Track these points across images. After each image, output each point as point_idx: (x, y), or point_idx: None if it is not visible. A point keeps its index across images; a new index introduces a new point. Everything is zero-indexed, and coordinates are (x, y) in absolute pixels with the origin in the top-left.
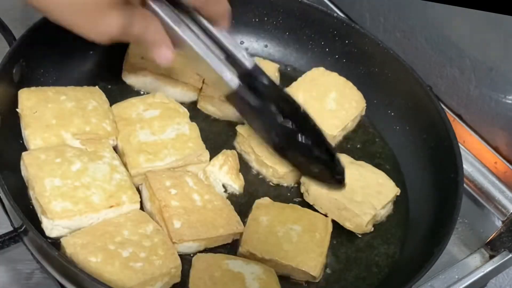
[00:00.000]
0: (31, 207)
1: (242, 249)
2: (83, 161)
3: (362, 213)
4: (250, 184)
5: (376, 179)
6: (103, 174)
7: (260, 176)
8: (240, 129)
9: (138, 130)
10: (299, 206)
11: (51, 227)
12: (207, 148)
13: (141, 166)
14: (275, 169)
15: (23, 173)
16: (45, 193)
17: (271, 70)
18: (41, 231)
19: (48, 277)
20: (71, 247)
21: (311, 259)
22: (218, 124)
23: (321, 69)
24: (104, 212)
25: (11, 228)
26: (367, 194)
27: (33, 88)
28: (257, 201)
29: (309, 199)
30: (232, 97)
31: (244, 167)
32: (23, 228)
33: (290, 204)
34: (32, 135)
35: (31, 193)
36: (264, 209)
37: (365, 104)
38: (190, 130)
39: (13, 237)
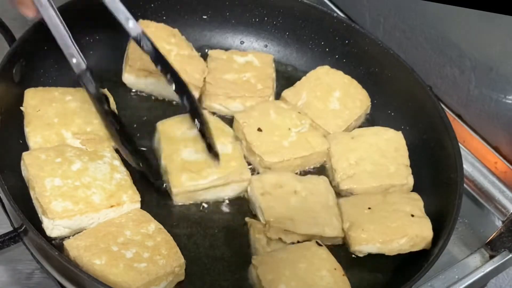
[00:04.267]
0: (31, 207)
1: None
2: (84, 161)
3: (405, 180)
4: None
5: (382, 137)
6: (103, 173)
7: (250, 166)
8: (237, 115)
9: (182, 148)
10: None
11: (52, 227)
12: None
13: (184, 185)
14: (262, 158)
15: (24, 173)
16: (45, 193)
17: (266, 61)
18: (42, 231)
19: (48, 277)
20: (74, 250)
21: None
22: (225, 120)
23: (326, 67)
24: (105, 212)
25: (11, 228)
26: (392, 159)
27: (39, 88)
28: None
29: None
30: (79, 79)
31: None
32: (23, 228)
33: None
34: (32, 132)
35: (31, 193)
36: None
37: (369, 103)
38: (233, 149)
39: (13, 237)
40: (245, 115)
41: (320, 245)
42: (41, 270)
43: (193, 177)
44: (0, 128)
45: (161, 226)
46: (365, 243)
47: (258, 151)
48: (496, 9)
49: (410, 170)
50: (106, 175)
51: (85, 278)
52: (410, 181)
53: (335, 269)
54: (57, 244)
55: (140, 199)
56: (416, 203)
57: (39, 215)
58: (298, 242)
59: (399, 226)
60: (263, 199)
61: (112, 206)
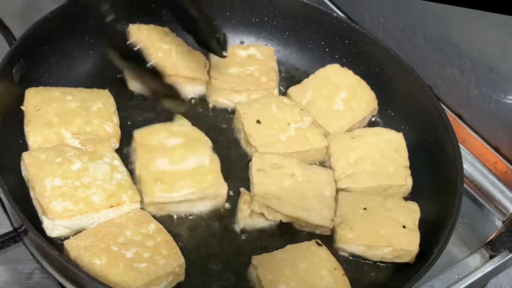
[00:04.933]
0: (31, 207)
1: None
2: (83, 161)
3: (404, 181)
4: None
5: (382, 137)
6: (103, 174)
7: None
8: (238, 106)
9: (157, 158)
10: None
11: (52, 227)
12: (215, 140)
13: (155, 195)
14: (257, 150)
15: (24, 173)
16: (45, 193)
17: (268, 54)
18: (42, 231)
19: (48, 277)
20: (74, 250)
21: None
22: (229, 115)
23: (336, 66)
24: (105, 212)
25: (11, 228)
26: (392, 160)
27: (40, 88)
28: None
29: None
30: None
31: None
32: (23, 228)
33: None
34: (32, 131)
35: (31, 193)
36: None
37: (376, 106)
38: (210, 162)
39: (13, 237)
40: (247, 106)
41: (320, 245)
42: (41, 270)
43: (166, 189)
44: (0, 128)
45: (161, 226)
46: (350, 243)
47: (254, 143)
48: (496, 9)
49: (409, 172)
50: (106, 175)
51: (85, 278)
52: (409, 182)
53: (335, 269)
54: (57, 244)
55: (140, 199)
56: (412, 215)
57: (39, 215)
58: (281, 222)
59: (387, 234)
60: (257, 175)
61: (112, 206)
